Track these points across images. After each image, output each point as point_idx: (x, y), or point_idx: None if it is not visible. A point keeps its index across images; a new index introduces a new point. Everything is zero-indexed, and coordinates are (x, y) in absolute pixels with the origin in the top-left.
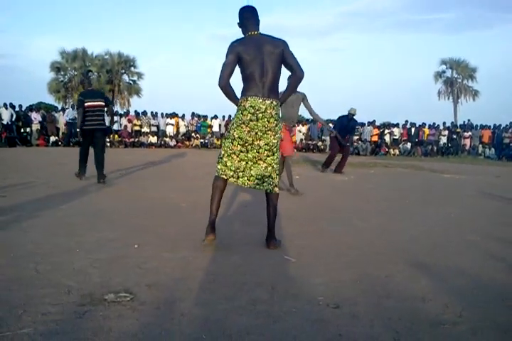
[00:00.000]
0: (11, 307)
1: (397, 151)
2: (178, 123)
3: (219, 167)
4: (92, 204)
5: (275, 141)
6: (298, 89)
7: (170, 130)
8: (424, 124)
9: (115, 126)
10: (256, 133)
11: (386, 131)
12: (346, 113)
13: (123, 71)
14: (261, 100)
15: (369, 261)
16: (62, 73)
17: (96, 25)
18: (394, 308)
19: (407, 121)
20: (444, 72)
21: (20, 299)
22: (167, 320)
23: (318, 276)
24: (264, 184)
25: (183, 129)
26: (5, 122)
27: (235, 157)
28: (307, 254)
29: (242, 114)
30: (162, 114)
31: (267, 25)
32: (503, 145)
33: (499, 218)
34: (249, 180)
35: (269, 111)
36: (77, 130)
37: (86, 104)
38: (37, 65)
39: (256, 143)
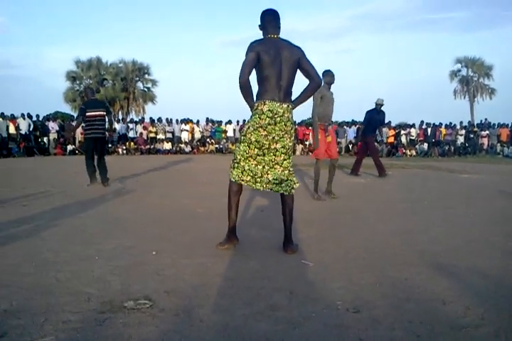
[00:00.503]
0: (32, 316)
1: (413, 152)
2: (193, 129)
3: (234, 172)
4: (108, 212)
5: (291, 144)
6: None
7: (185, 136)
8: (440, 124)
9: (131, 134)
10: (273, 138)
11: (402, 131)
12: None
13: (137, 78)
14: (278, 104)
15: (388, 263)
16: (77, 82)
17: (110, 34)
18: (414, 311)
19: (423, 122)
20: (459, 70)
21: (41, 307)
22: (186, 327)
23: (336, 280)
24: (283, 185)
25: (197, 135)
26: (23, 132)
27: (252, 160)
28: (325, 258)
29: (259, 117)
30: (177, 120)
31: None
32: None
33: None
34: (266, 184)
35: (286, 115)
36: (73, 135)
37: (88, 114)
38: (53, 74)
39: (273, 146)
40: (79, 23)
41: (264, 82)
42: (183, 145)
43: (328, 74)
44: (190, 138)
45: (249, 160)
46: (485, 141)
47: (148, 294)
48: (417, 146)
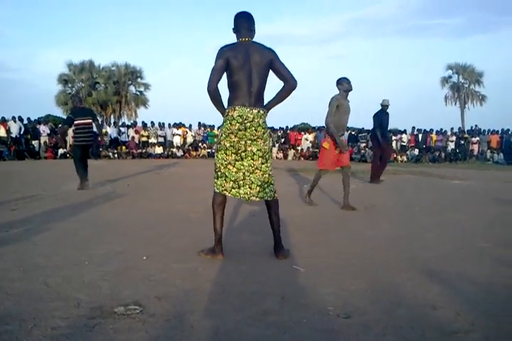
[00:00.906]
0: (21, 321)
1: (404, 158)
2: (185, 133)
3: (218, 182)
4: (99, 216)
5: (266, 148)
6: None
7: (177, 140)
8: (431, 130)
9: (123, 138)
10: (245, 142)
11: (394, 137)
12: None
13: (130, 82)
14: (248, 109)
15: (379, 269)
16: (69, 85)
17: (103, 37)
18: (405, 317)
19: (414, 128)
20: (450, 77)
21: (30, 313)
22: (177, 333)
23: (327, 286)
24: (266, 191)
25: (190, 139)
26: (14, 135)
27: (231, 167)
28: (316, 263)
29: (230, 123)
30: (169, 124)
31: (272, 34)
32: (511, 150)
33: (509, 225)
34: (250, 189)
35: (256, 120)
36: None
37: (76, 122)
38: (44, 77)
39: (249, 149)
40: (72, 25)
41: (234, 88)
42: (174, 150)
43: (344, 81)
44: (182, 143)
45: (229, 168)
46: (475, 147)
47: (138, 299)
48: (408, 152)
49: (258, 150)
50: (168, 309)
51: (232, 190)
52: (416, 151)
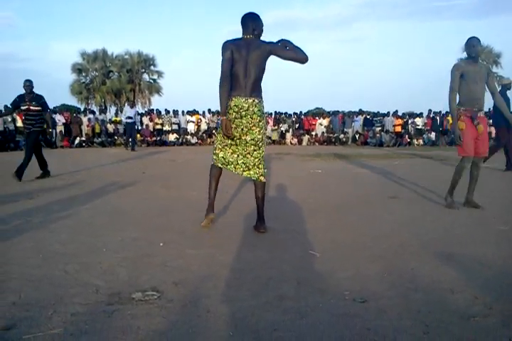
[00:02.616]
0: (41, 308)
1: (421, 141)
2: (199, 120)
3: (214, 157)
4: (114, 204)
5: (260, 136)
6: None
7: (191, 127)
8: (448, 113)
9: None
10: (242, 129)
11: (410, 120)
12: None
13: (143, 70)
14: (244, 99)
15: (395, 253)
16: (83, 74)
17: (115, 26)
18: (422, 301)
19: (430, 110)
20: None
21: (50, 299)
22: (194, 318)
23: (343, 270)
24: (251, 172)
25: (204, 126)
26: None
27: (228, 149)
28: (332, 248)
29: (228, 112)
30: (183, 111)
31: (285, 20)
32: None
33: None
34: (241, 167)
35: (251, 109)
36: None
37: (23, 108)
38: (58, 67)
39: (243, 138)
40: (85, 15)
41: (232, 80)
42: (189, 137)
43: (469, 43)
44: (196, 130)
45: (225, 149)
46: (493, 129)
47: (155, 285)
48: (424, 135)
49: (251, 139)
50: (185, 294)
51: (228, 165)
52: (432, 134)
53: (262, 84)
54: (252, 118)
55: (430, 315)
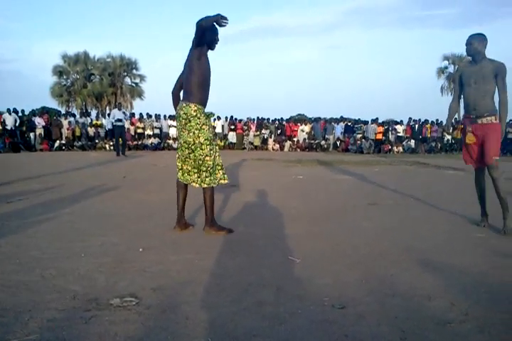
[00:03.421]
0: (17, 314)
1: (400, 149)
2: None
3: (177, 171)
4: (95, 208)
5: (190, 140)
6: None
7: (173, 132)
8: (427, 121)
9: None
10: (179, 132)
11: (391, 128)
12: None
13: (125, 74)
14: (180, 103)
15: (374, 260)
16: (64, 77)
17: (97, 29)
18: (400, 307)
19: (410, 118)
20: (446, 67)
21: (26, 305)
22: (173, 324)
23: (323, 277)
24: (198, 180)
25: None
26: (9, 128)
27: (177, 156)
28: (312, 255)
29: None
30: (164, 116)
31: (269, 26)
32: (506, 141)
33: None
34: (189, 175)
35: (180, 112)
36: None
37: None
38: (39, 69)
39: (180, 140)
40: (67, 17)
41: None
42: (170, 141)
43: (466, 42)
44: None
45: (177, 157)
46: None
47: (134, 291)
48: (404, 143)
49: (184, 142)
50: (163, 300)
51: (182, 176)
52: (412, 142)
53: (198, 88)
54: (179, 120)
55: (407, 321)
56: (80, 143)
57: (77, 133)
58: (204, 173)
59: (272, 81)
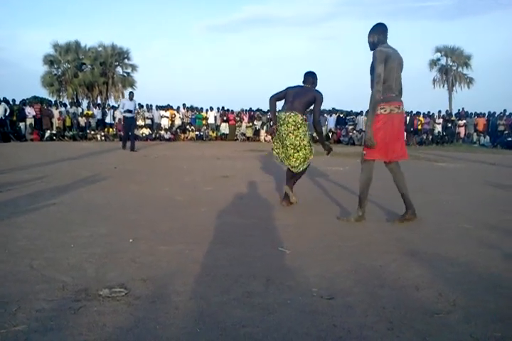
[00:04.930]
0: (4, 304)
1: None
2: (173, 115)
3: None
4: (85, 199)
5: (297, 143)
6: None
7: (165, 123)
8: (418, 113)
9: (108, 119)
10: (281, 135)
11: None
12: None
13: (117, 63)
14: (288, 112)
15: (363, 251)
16: (55, 66)
17: (89, 17)
18: (388, 298)
19: None
20: (438, 59)
21: (14, 295)
22: (162, 315)
23: (312, 268)
24: (299, 167)
25: (178, 122)
26: None
27: (278, 150)
28: (302, 246)
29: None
30: (156, 106)
31: (260, 16)
32: (497, 133)
33: (494, 205)
34: (290, 162)
35: (289, 120)
36: None
37: None
38: (30, 58)
39: (286, 142)
40: (57, 5)
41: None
42: (162, 132)
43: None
44: (170, 125)
45: (277, 151)
46: (462, 130)
47: (123, 282)
48: None
49: (291, 143)
50: (153, 291)
51: (285, 161)
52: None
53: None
54: (286, 126)
55: (395, 311)
56: (70, 133)
57: (68, 123)
58: (303, 163)
59: (264, 71)
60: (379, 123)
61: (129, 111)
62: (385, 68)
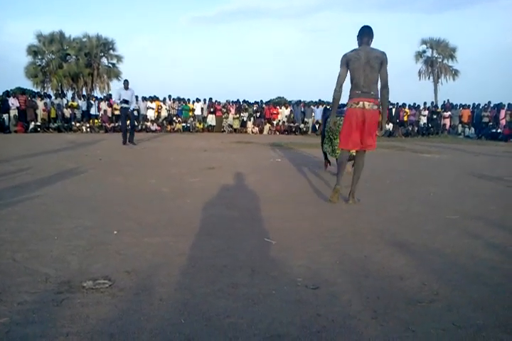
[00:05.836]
0: None
1: (377, 132)
2: (159, 107)
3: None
4: (70, 191)
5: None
6: None
7: (151, 114)
8: (404, 105)
9: (93, 111)
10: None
11: None
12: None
13: (102, 54)
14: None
15: (349, 242)
16: (39, 57)
17: (73, 7)
18: (372, 287)
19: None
20: (424, 51)
21: None
22: (146, 306)
23: (298, 258)
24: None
25: (164, 113)
26: None
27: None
28: (288, 237)
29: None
30: (143, 97)
31: (249, 7)
32: (482, 125)
33: (478, 196)
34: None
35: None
36: None
37: None
38: (13, 49)
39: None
40: None
41: None
42: (148, 124)
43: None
44: (156, 117)
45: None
46: (447, 121)
47: (107, 274)
48: None
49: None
50: (137, 283)
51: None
52: (389, 125)
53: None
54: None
55: (379, 300)
56: (55, 124)
57: (53, 115)
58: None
59: (252, 63)
60: (346, 115)
61: (126, 102)
62: (349, 69)
